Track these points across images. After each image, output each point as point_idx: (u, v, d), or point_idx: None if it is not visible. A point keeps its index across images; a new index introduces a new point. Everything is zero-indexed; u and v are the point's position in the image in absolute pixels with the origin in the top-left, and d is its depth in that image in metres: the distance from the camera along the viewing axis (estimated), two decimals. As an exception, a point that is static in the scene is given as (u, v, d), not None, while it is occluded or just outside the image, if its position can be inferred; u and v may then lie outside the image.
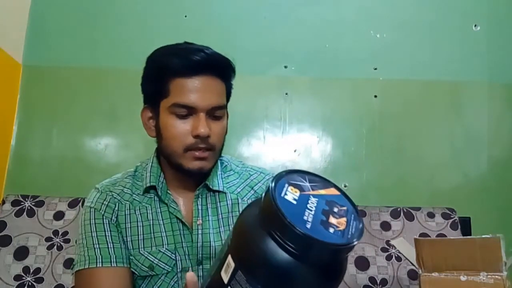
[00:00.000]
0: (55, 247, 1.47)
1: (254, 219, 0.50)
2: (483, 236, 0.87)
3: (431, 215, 1.57)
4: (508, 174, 1.81)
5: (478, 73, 1.88)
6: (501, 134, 1.85)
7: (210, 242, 0.86)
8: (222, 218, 0.89)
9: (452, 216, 1.57)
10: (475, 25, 1.90)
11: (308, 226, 0.45)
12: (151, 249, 0.85)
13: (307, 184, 0.53)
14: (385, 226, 1.56)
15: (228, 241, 0.52)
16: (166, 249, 0.86)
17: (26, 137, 1.80)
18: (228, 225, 0.89)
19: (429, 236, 1.51)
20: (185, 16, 1.89)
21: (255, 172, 0.97)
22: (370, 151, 1.83)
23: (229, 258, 0.49)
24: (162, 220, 0.87)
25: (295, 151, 1.84)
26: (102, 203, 0.87)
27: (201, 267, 0.87)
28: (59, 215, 1.52)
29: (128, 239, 0.86)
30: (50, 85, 1.84)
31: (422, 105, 1.87)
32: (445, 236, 1.51)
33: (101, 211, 0.86)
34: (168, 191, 0.89)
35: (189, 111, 0.82)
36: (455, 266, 0.87)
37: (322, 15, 1.91)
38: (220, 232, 0.88)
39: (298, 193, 0.50)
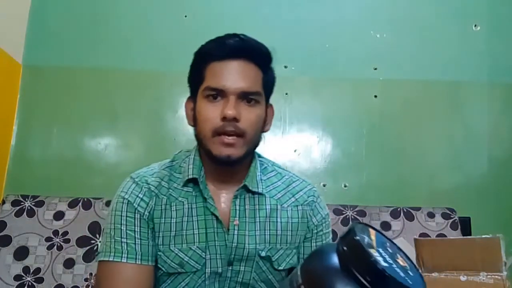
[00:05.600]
0: (55, 247, 1.47)
1: (339, 274, 0.49)
2: (483, 236, 0.86)
3: (431, 215, 1.57)
4: (508, 174, 1.81)
5: (478, 73, 1.88)
6: (501, 134, 1.84)
7: (244, 244, 0.85)
8: (259, 221, 0.87)
9: (452, 216, 1.57)
10: (475, 25, 1.90)
11: (403, 275, 0.48)
12: (182, 246, 0.83)
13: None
14: (385, 226, 1.56)
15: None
16: (197, 247, 0.83)
17: (26, 137, 1.80)
18: (265, 229, 0.87)
19: (429, 236, 1.51)
20: (185, 16, 1.88)
21: (297, 179, 0.95)
22: (370, 151, 1.83)
23: None
24: (197, 216, 0.85)
25: (295, 151, 1.84)
26: (137, 196, 0.84)
27: (231, 268, 0.85)
28: (59, 215, 1.52)
29: (159, 235, 0.84)
30: (50, 85, 1.84)
31: (422, 105, 1.87)
32: (445, 236, 1.51)
33: (134, 204, 0.84)
34: (207, 187, 0.86)
35: (220, 94, 0.81)
36: (455, 266, 0.87)
37: (322, 15, 1.91)
38: (255, 235, 0.86)
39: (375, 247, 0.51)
